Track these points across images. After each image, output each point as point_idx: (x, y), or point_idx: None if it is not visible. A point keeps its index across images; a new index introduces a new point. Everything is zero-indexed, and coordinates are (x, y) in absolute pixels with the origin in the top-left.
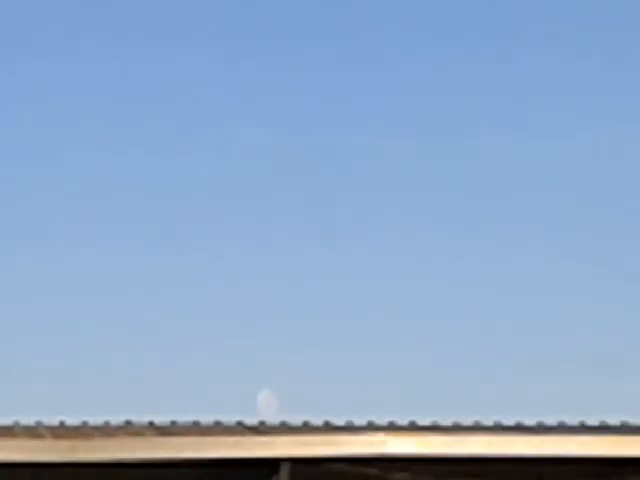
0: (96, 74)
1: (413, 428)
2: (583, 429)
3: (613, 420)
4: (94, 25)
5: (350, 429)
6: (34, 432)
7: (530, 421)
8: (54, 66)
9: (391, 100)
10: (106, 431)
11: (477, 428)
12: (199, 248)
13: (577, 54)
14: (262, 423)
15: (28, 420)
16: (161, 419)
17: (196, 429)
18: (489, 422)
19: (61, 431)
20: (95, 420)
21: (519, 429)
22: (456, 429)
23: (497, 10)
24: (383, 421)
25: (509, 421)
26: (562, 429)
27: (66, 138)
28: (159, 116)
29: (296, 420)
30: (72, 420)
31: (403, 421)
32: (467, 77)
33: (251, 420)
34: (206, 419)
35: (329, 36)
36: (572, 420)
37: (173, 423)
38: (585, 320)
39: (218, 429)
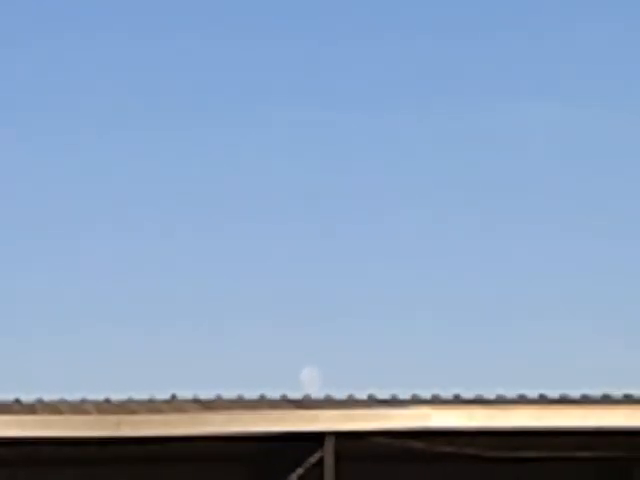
0: None
1: (457, 401)
2: (628, 401)
3: None
4: None
5: (395, 403)
6: (80, 408)
7: (574, 393)
8: None
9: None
10: (151, 406)
11: (521, 401)
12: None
13: None
14: (307, 397)
15: (73, 397)
16: (206, 394)
17: (240, 404)
18: (533, 395)
19: (106, 407)
20: (140, 396)
21: (563, 401)
22: (500, 402)
23: None
24: (427, 394)
25: (553, 394)
26: (607, 401)
27: None
28: None
29: (340, 394)
30: (117, 396)
31: (447, 394)
32: None
33: (295, 394)
34: (250, 394)
35: None
36: (617, 392)
37: (218, 398)
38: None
39: (263, 404)
